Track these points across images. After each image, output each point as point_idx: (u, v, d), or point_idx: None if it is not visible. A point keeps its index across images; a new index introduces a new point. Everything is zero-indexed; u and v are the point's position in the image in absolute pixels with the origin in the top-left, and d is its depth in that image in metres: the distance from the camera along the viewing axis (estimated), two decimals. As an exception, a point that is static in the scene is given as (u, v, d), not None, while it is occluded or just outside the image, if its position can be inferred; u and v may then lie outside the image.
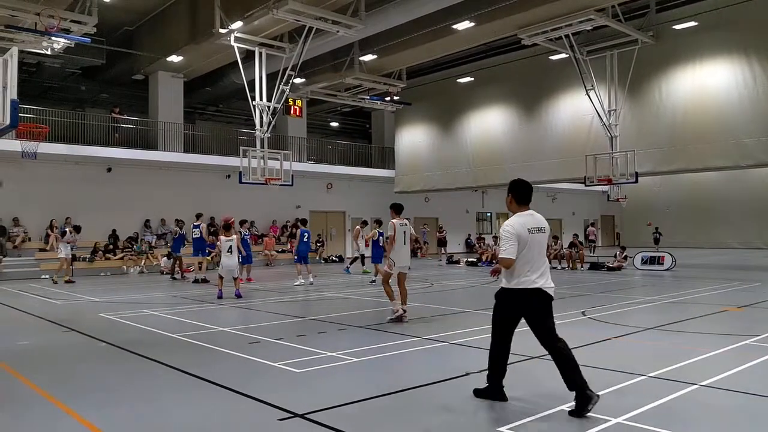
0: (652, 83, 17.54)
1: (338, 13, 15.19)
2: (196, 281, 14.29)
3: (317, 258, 22.49)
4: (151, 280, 15.82)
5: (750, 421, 3.98)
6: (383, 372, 5.44)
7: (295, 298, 11.42)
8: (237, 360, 5.86)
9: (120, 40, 20.04)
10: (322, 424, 3.87)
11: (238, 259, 11.61)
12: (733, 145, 15.75)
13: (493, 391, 4.32)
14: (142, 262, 18.29)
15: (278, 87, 17.09)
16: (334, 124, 31.36)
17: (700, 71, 16.59)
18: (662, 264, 17.07)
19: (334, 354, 5.90)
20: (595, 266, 17.77)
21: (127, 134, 20.57)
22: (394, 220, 8.05)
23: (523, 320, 4.31)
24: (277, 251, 21.64)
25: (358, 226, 15.84)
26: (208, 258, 15.34)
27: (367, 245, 14.10)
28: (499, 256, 4.21)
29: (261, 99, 17.15)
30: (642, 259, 17.69)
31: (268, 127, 17.30)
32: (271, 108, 17.28)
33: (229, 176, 20.95)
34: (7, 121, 5.67)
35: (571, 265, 18.23)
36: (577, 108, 18.98)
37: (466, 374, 5.00)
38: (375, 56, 19.93)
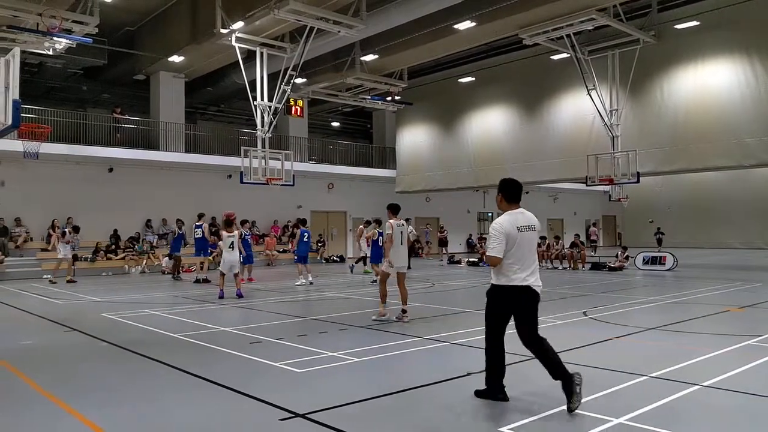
0: (653, 83, 17.51)
1: (339, 13, 15.19)
2: (197, 281, 14.31)
3: (318, 258, 22.51)
4: (153, 280, 15.84)
5: (751, 422, 3.98)
6: (384, 372, 5.44)
7: (296, 298, 11.43)
8: (238, 360, 5.87)
9: (121, 41, 20.07)
10: (324, 424, 3.88)
11: (240, 258, 11.64)
12: (735, 144, 15.71)
13: (493, 392, 4.32)
14: (144, 262, 18.32)
15: (279, 87, 17.10)
16: (336, 124, 31.37)
17: (702, 71, 16.55)
18: (664, 264, 17.04)
19: (335, 354, 5.90)
20: (596, 266, 17.75)
21: (128, 134, 20.60)
22: (391, 221, 8.09)
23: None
24: (278, 251, 21.65)
25: (361, 226, 15.85)
26: (210, 258, 15.36)
27: (368, 245, 14.11)
28: (486, 254, 4.29)
29: (262, 99, 17.16)
30: (643, 259, 17.67)
31: (269, 127, 17.31)
32: (272, 108, 17.29)
33: (230, 176, 20.97)
34: (9, 121, 5.69)
35: (572, 266, 18.21)
36: (579, 108, 18.95)
37: (468, 374, 5.00)
38: (376, 56, 19.93)
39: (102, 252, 18.13)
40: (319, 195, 24.76)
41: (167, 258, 17.36)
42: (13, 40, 13.87)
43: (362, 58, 20.05)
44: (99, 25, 14.69)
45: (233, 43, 16.23)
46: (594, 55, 17.87)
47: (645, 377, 4.91)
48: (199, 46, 18.08)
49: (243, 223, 14.91)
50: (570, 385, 4.02)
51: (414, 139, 25.11)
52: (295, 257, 14.04)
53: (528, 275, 4.22)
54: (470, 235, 30.12)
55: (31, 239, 18.02)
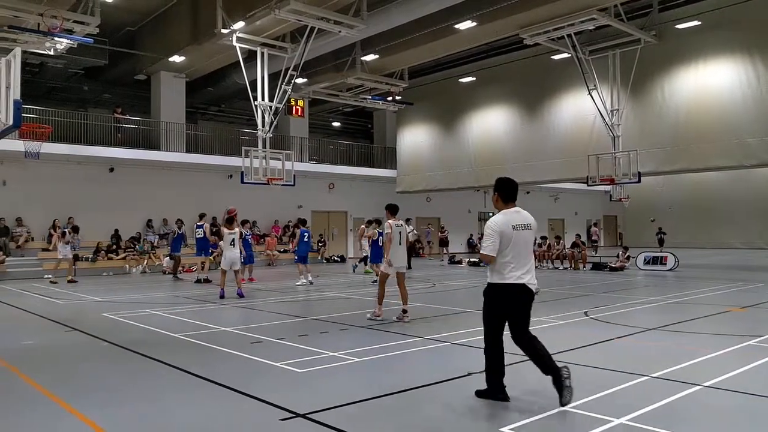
0: (654, 83, 17.49)
1: (340, 13, 15.19)
2: (198, 281, 14.32)
3: (319, 258, 22.52)
4: (154, 280, 15.85)
5: (753, 422, 3.97)
6: (385, 372, 5.44)
7: (296, 298, 11.43)
8: (239, 360, 5.87)
9: (122, 41, 20.09)
10: (324, 424, 3.88)
11: (241, 258, 11.66)
12: (736, 144, 15.69)
13: (494, 392, 4.32)
14: (145, 262, 18.33)
15: (280, 87, 17.11)
16: (336, 124, 31.38)
17: (703, 71, 16.54)
18: (665, 264, 17.03)
19: (336, 354, 5.90)
20: (597, 266, 17.74)
21: (129, 134, 20.62)
22: (390, 221, 8.14)
23: None
24: (279, 251, 21.66)
25: (362, 226, 15.86)
26: (211, 258, 15.36)
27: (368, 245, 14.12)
28: (480, 252, 4.35)
29: (263, 99, 17.17)
30: (644, 260, 17.65)
31: (270, 127, 17.31)
32: (273, 108, 17.29)
33: (231, 176, 20.98)
34: (11, 121, 5.70)
35: (573, 266, 18.20)
36: (580, 108, 18.94)
37: (468, 374, 4.99)
38: (377, 56, 19.92)
39: (103, 252, 18.14)
40: (320, 195, 24.77)
41: (168, 258, 17.37)
42: (14, 41, 13.89)
43: (363, 58, 20.05)
44: (100, 25, 14.70)
45: (234, 43, 16.24)
46: (595, 55, 17.85)
47: (646, 377, 4.91)
48: (199, 46, 18.08)
49: (244, 223, 14.91)
50: (560, 379, 4.08)
51: (415, 139, 25.11)
52: (296, 257, 14.05)
53: (523, 273, 4.26)
54: (471, 235, 30.11)
55: (33, 239, 18.04)
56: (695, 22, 16.44)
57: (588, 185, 19.19)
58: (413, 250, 22.25)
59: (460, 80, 22.53)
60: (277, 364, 5.53)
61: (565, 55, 17.87)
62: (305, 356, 5.87)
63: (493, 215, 4.51)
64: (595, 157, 17.85)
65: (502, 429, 3.76)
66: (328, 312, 9.15)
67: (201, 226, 14.81)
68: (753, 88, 15.49)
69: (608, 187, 20.65)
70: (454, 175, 23.14)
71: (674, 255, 17.26)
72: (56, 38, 14.11)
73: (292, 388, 4.81)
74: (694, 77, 16.72)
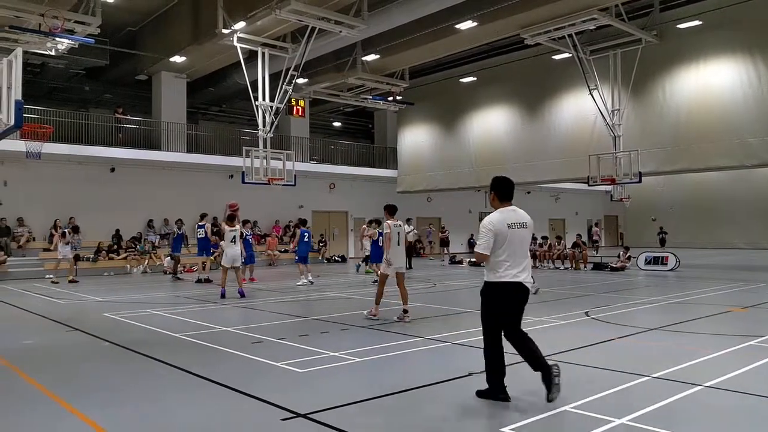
0: (655, 83, 17.48)
1: (341, 13, 15.20)
2: (198, 281, 14.33)
3: (320, 258, 22.52)
4: (155, 279, 15.86)
5: (754, 423, 3.97)
6: (386, 372, 5.43)
7: (297, 298, 11.43)
8: (240, 360, 5.87)
9: (123, 41, 20.11)
10: (325, 424, 3.88)
11: (241, 258, 11.68)
12: (737, 144, 15.68)
13: (495, 392, 4.32)
14: (146, 262, 18.35)
15: (281, 87, 17.12)
16: (337, 124, 31.38)
17: (704, 70, 16.52)
18: (666, 264, 17.01)
19: (336, 354, 5.90)
20: (598, 266, 17.73)
21: (130, 134, 20.64)
22: (388, 221, 8.19)
23: None
24: (280, 251, 21.68)
25: (364, 225, 15.87)
26: (212, 258, 15.36)
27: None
28: (475, 250, 4.40)
29: (264, 99, 17.17)
30: (645, 260, 17.63)
31: (270, 127, 17.32)
32: (273, 108, 17.30)
33: (232, 176, 20.99)
34: (12, 122, 5.71)
35: (574, 266, 18.19)
36: (581, 108, 18.93)
37: (469, 374, 4.99)
38: (378, 56, 19.92)
39: (104, 252, 18.16)
40: (321, 195, 24.78)
41: (169, 258, 17.40)
42: (15, 41, 13.91)
43: (364, 58, 20.05)
44: (101, 25, 14.71)
45: (235, 43, 16.25)
46: (596, 55, 17.84)
47: (647, 377, 4.90)
48: (200, 47, 18.10)
49: (245, 223, 14.91)
50: (549, 376, 4.12)
51: (415, 139, 25.10)
52: (296, 257, 14.06)
53: (519, 272, 4.29)
54: (471, 235, 30.08)
55: (34, 239, 18.07)
56: (696, 22, 16.43)
57: (589, 185, 19.17)
58: (414, 250, 22.25)
59: (460, 80, 22.52)
60: (278, 364, 5.53)
61: (566, 55, 17.86)
62: (306, 356, 5.87)
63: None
64: (595, 157, 17.84)
65: (502, 429, 3.76)
66: (328, 312, 9.15)
67: (202, 226, 14.82)
68: (754, 87, 15.47)
69: (609, 187, 20.63)
70: (455, 175, 23.14)
71: (675, 255, 17.24)
72: (57, 38, 14.13)
73: (293, 388, 4.82)
74: (695, 77, 16.70)
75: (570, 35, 16.46)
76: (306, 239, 13.71)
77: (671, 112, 17.09)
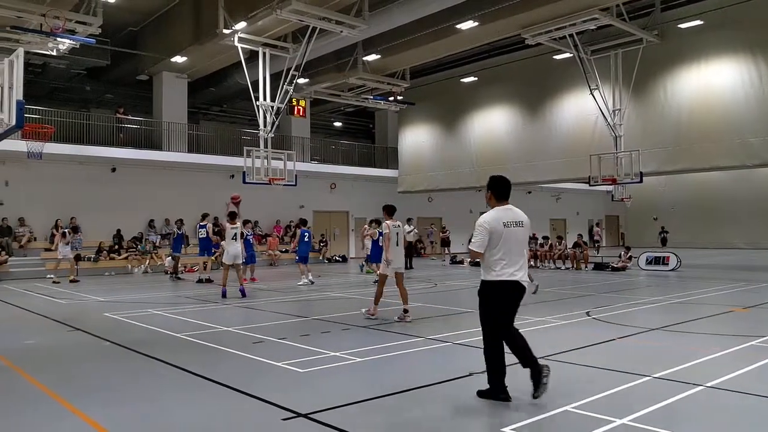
0: (657, 82, 17.46)
1: (342, 13, 15.20)
2: (199, 281, 14.34)
3: (321, 258, 22.53)
4: (156, 279, 15.88)
5: (756, 423, 3.96)
6: (387, 372, 5.43)
7: (298, 298, 11.44)
8: (241, 359, 5.87)
9: (124, 41, 20.13)
10: (326, 423, 3.88)
11: (242, 257, 11.70)
12: (738, 144, 15.65)
13: (496, 392, 4.32)
14: (147, 262, 18.37)
15: (282, 87, 17.12)
16: (338, 124, 31.38)
17: (706, 70, 16.49)
18: (667, 264, 17.00)
19: (337, 354, 5.90)
20: (599, 266, 17.71)
21: (131, 134, 20.66)
22: (387, 222, 8.25)
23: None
24: (281, 251, 21.69)
25: (366, 225, 15.87)
26: (213, 258, 15.37)
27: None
28: (469, 247, 4.47)
29: (265, 99, 17.18)
30: (647, 260, 17.61)
31: (271, 127, 17.32)
32: (274, 108, 17.31)
33: (233, 176, 20.99)
34: (14, 122, 5.71)
35: (575, 266, 18.17)
36: (582, 108, 18.92)
37: (470, 374, 4.99)
38: (378, 56, 19.93)
39: (105, 252, 18.19)
40: (322, 195, 24.78)
41: (170, 258, 17.41)
42: (16, 41, 13.93)
43: (364, 58, 20.05)
44: (102, 25, 14.73)
45: (236, 43, 16.26)
46: (597, 55, 17.82)
47: (648, 378, 4.90)
48: (201, 47, 18.11)
49: (245, 223, 14.93)
50: (538, 375, 4.17)
51: (416, 139, 25.10)
52: (297, 257, 14.07)
53: (516, 270, 4.31)
54: (472, 235, 30.01)
55: (35, 239, 18.09)
56: (698, 22, 16.40)
57: (590, 185, 19.15)
58: (415, 250, 22.24)
59: (461, 80, 22.51)
60: (279, 364, 5.53)
61: (567, 54, 17.84)
62: (307, 356, 5.87)
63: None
64: (597, 156, 17.82)
65: (504, 429, 3.76)
66: (329, 312, 9.15)
67: (204, 226, 14.83)
68: (756, 87, 15.45)
69: (610, 187, 20.61)
70: (456, 175, 23.13)
71: (676, 255, 17.22)
72: (59, 39, 14.15)
73: (293, 387, 4.82)
74: (696, 77, 16.68)
75: (571, 35, 16.44)
76: (306, 239, 13.71)
77: (672, 111, 17.07)
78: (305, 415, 4.04)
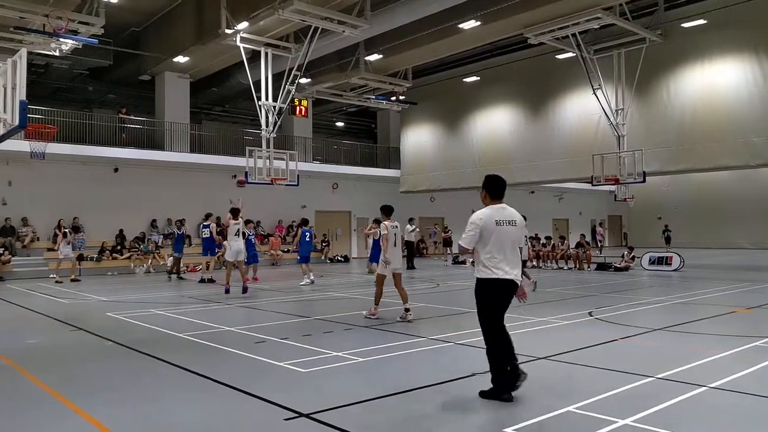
0: (660, 82, 17.40)
1: (344, 13, 15.20)
2: (202, 281, 14.35)
3: (323, 258, 22.53)
4: (158, 279, 15.90)
5: (759, 424, 3.94)
6: (389, 372, 5.43)
7: (300, 298, 11.44)
8: (243, 359, 5.88)
9: (127, 41, 20.17)
10: (328, 423, 3.87)
11: (244, 258, 11.74)
12: (742, 144, 15.59)
13: (498, 392, 4.31)
14: (149, 262, 18.41)
15: (284, 87, 17.13)
16: (340, 124, 31.39)
17: (709, 70, 16.43)
18: (670, 264, 16.95)
19: (339, 354, 5.90)
20: (602, 266, 17.67)
21: (133, 134, 20.71)
22: (385, 222, 8.29)
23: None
24: (283, 251, 21.71)
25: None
26: (216, 258, 15.38)
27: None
28: (459, 242, 4.53)
29: (267, 99, 17.19)
30: (650, 260, 17.56)
31: (273, 127, 17.34)
32: (276, 108, 17.32)
33: (235, 176, 21.02)
34: (17, 122, 5.72)
35: (577, 266, 18.14)
36: (584, 107, 18.87)
37: (473, 375, 4.98)
38: (380, 56, 19.92)
39: (108, 252, 18.23)
40: (324, 195, 24.79)
41: (172, 258, 17.44)
42: (20, 42, 13.98)
43: (366, 58, 20.05)
44: (104, 25, 14.77)
45: (238, 43, 16.27)
46: (600, 55, 17.78)
47: (651, 378, 4.88)
48: (204, 47, 18.13)
49: (247, 222, 14.94)
50: (515, 378, 4.24)
51: (418, 138, 25.08)
52: (298, 257, 14.08)
53: (511, 269, 4.35)
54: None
55: (38, 239, 18.14)
56: (701, 21, 16.34)
57: (593, 185, 19.12)
58: (417, 250, 22.23)
59: (464, 80, 22.48)
60: (281, 364, 5.53)
61: (570, 54, 17.80)
62: (309, 356, 5.87)
63: None
64: (599, 156, 17.78)
65: (506, 429, 3.75)
66: (331, 312, 9.15)
67: (207, 226, 14.85)
68: (759, 87, 15.39)
69: (613, 187, 20.55)
70: (458, 174, 23.10)
71: (679, 255, 17.17)
72: (61, 39, 14.19)
73: (295, 387, 4.82)
74: (699, 76, 16.62)
75: (574, 34, 16.41)
76: (307, 239, 13.72)
77: (676, 111, 17.01)
78: (307, 415, 4.04)
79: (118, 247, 18.67)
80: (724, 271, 16.73)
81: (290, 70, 17.04)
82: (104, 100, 23.77)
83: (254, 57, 17.69)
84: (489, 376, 4.42)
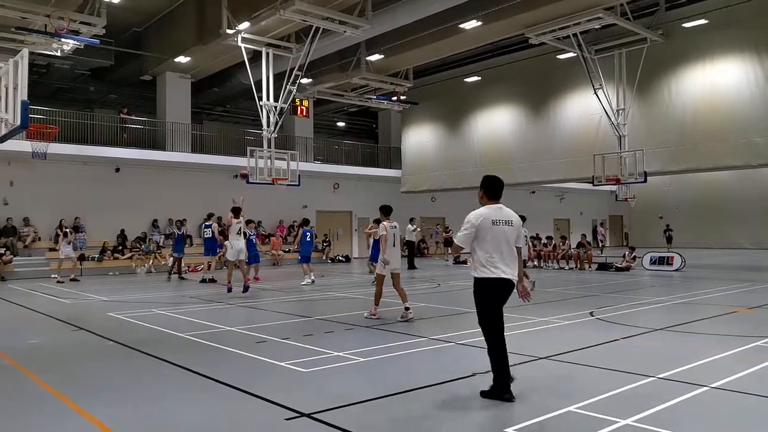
0: (661, 82, 17.38)
1: (345, 13, 15.21)
2: (203, 281, 14.37)
3: (324, 258, 22.54)
4: (159, 279, 15.92)
5: (760, 424, 3.94)
6: (390, 372, 5.43)
7: (301, 298, 11.45)
8: (244, 359, 5.88)
9: (128, 42, 20.20)
10: (329, 423, 3.88)
11: (245, 258, 11.76)
12: (743, 144, 15.57)
13: (499, 392, 4.32)
14: (150, 262, 18.43)
15: (285, 87, 17.14)
16: (341, 124, 31.40)
17: (711, 69, 16.41)
18: (671, 264, 16.93)
19: (340, 354, 5.91)
20: (603, 267, 17.66)
21: (135, 134, 20.73)
22: (384, 222, 8.33)
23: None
24: (284, 251, 21.72)
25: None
26: (217, 258, 15.40)
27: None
28: (454, 239, 4.59)
29: (268, 99, 17.21)
30: (651, 260, 17.55)
31: (275, 128, 17.35)
32: (278, 108, 17.33)
33: (236, 176, 21.01)
34: (18, 122, 5.74)
35: (579, 266, 18.13)
36: (585, 107, 18.86)
37: (473, 375, 4.98)
38: (382, 56, 19.92)
39: (109, 252, 18.26)
40: (325, 195, 24.80)
41: (171, 258, 17.46)
42: (21, 42, 14.00)
43: (368, 58, 20.05)
44: (106, 26, 14.78)
45: (239, 43, 16.29)
46: (601, 54, 17.77)
47: (652, 378, 4.88)
48: (205, 47, 18.15)
49: (248, 222, 14.95)
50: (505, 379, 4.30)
51: (419, 138, 25.08)
52: (299, 257, 14.10)
53: (508, 268, 4.38)
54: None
55: (39, 239, 18.17)
56: (702, 21, 16.32)
57: (594, 185, 19.10)
58: (418, 250, 22.22)
59: (465, 80, 22.48)
60: (282, 364, 5.54)
61: (571, 54, 17.79)
62: (310, 356, 5.88)
63: None
64: (600, 156, 17.77)
65: (507, 429, 3.75)
66: (332, 312, 9.16)
67: (209, 226, 14.86)
68: (761, 87, 15.37)
69: (614, 187, 20.53)
70: (459, 174, 23.10)
71: (681, 255, 17.15)
72: (63, 39, 14.21)
73: (297, 387, 4.82)
74: (701, 76, 16.60)
75: (575, 34, 16.40)
76: (308, 239, 13.73)
77: (677, 111, 16.99)
78: (308, 415, 4.05)
79: (120, 247, 18.69)
80: (725, 271, 16.71)
81: (291, 70, 17.05)
82: (105, 100, 23.80)
83: (255, 57, 17.70)
84: (490, 375, 4.43)
